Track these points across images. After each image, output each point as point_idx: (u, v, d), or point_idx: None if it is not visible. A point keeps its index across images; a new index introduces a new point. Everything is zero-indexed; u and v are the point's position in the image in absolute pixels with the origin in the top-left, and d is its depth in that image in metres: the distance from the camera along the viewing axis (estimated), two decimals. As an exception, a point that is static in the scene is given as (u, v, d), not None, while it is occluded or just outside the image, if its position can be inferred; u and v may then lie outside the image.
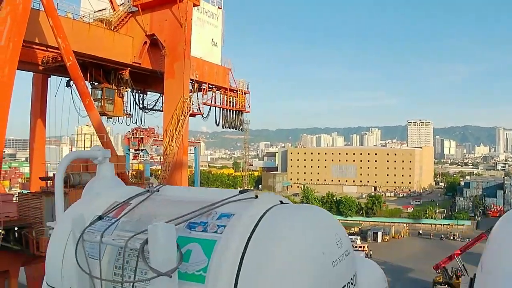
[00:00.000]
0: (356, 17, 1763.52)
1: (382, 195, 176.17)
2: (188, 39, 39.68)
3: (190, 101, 41.27)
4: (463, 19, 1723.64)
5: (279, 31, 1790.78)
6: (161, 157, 43.04)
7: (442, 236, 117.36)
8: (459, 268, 73.68)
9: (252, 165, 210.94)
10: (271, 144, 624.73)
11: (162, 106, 47.70)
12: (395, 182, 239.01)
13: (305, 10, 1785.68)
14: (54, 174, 37.74)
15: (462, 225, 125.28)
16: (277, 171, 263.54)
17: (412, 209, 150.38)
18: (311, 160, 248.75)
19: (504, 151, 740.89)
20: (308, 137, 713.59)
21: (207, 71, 46.73)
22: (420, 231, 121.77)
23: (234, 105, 52.02)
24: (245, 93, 53.28)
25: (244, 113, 53.76)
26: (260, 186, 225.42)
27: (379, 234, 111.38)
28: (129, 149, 69.32)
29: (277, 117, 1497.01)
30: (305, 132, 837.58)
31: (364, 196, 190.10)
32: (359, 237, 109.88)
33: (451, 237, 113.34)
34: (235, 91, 51.67)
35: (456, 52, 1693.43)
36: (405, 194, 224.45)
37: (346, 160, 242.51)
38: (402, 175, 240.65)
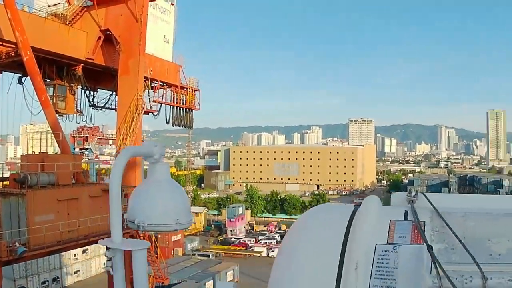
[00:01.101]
0: (298, 17, 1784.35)
1: (326, 193, 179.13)
2: (143, 35, 39.79)
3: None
4: (405, 19, 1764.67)
5: (222, 31, 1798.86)
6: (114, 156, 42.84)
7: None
8: None
9: (194, 163, 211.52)
10: (213, 142, 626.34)
11: (113, 104, 48.01)
12: (337, 180, 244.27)
13: (248, 10, 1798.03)
14: (12, 174, 37.61)
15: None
16: (219, 169, 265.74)
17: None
18: (254, 158, 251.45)
19: (446, 149, 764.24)
20: (249, 136, 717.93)
21: (159, 68, 47.03)
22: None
23: (184, 103, 52.42)
24: (195, 91, 53.86)
25: (193, 111, 54.54)
26: (202, 185, 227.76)
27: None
28: (74, 148, 69.05)
29: (218, 115, 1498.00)
30: (246, 130, 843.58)
31: (307, 194, 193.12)
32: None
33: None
34: (185, 89, 52.02)
35: (399, 51, 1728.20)
36: (347, 192, 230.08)
37: (289, 159, 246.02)
38: (345, 173, 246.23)
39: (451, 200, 3.30)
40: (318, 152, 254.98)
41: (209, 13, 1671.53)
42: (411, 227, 2.80)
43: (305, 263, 2.81)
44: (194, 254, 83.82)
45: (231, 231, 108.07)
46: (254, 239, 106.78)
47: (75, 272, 74.60)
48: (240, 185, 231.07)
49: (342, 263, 2.65)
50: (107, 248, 6.78)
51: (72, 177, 34.44)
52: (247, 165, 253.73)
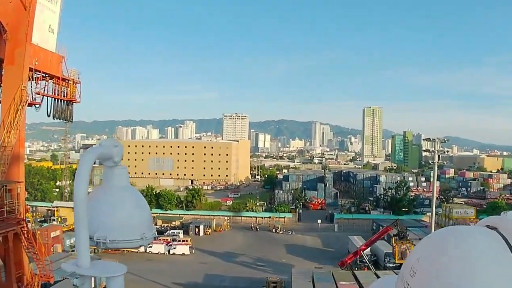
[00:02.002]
0: (176, 9, 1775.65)
1: (200, 188, 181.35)
2: (31, 23, 39.53)
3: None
4: (282, 15, 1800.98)
5: (99, 22, 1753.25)
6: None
7: (257, 228, 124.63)
8: (365, 263, 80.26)
9: (69, 157, 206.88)
10: (87, 136, 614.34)
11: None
12: (211, 175, 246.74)
13: (127, 5, 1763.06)
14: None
15: (284, 217, 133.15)
16: (95, 164, 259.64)
17: (232, 202, 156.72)
18: (128, 153, 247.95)
19: (320, 145, 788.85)
20: (123, 130, 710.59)
21: (42, 58, 46.52)
22: (254, 226, 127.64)
23: (66, 95, 52.18)
24: (76, 83, 53.66)
25: (74, 103, 54.41)
26: None
27: (201, 227, 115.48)
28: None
29: (93, 108, 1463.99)
30: (121, 124, 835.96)
31: (181, 189, 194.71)
32: (181, 231, 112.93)
33: (273, 230, 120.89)
34: (67, 81, 51.79)
35: (274, 48, 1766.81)
36: (222, 187, 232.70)
37: (163, 153, 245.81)
38: (219, 168, 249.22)
39: None
40: (193, 147, 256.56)
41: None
42: None
43: None
44: (73, 251, 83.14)
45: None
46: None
47: None
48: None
49: None
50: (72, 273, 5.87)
51: None
52: (121, 159, 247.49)
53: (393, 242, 77.63)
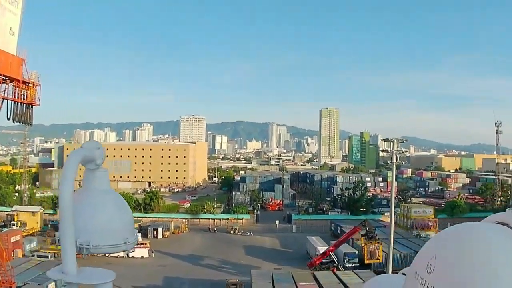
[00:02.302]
0: (135, 15, 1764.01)
1: (158, 190, 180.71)
2: None
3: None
4: (239, 18, 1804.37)
5: (57, 24, 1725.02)
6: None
7: (215, 229, 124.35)
8: (335, 264, 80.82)
9: (29, 161, 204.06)
10: (46, 139, 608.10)
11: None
12: (169, 178, 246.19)
13: (87, 10, 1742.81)
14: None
15: (242, 219, 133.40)
16: (53, 167, 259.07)
17: (189, 204, 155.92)
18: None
19: (277, 146, 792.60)
20: (81, 133, 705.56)
21: (3, 61, 46.22)
22: (211, 227, 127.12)
23: (25, 98, 51.83)
24: (36, 86, 53.16)
25: (34, 106, 53.82)
26: (37, 183, 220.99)
27: (160, 230, 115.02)
28: None
29: (51, 111, 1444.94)
30: (79, 127, 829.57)
31: (139, 191, 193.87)
32: (139, 234, 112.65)
33: (231, 231, 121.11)
34: (27, 84, 51.39)
35: (231, 50, 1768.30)
36: (180, 189, 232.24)
37: (121, 156, 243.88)
38: (176, 170, 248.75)
39: None
40: (150, 149, 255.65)
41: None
42: None
43: None
44: (33, 255, 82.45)
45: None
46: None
47: None
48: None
49: None
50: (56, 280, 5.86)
51: None
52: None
53: (362, 242, 78.59)
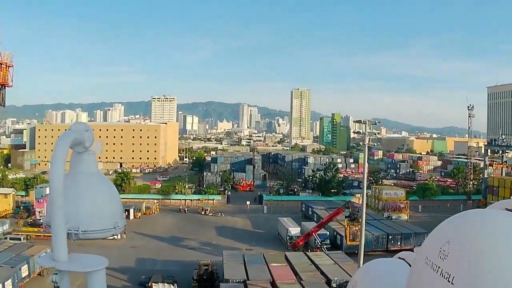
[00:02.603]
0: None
1: (129, 171, 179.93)
2: None
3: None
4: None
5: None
6: None
7: (185, 210, 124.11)
8: (318, 245, 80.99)
9: (0, 142, 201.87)
10: (18, 120, 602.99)
11: None
12: (140, 158, 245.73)
13: None
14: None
15: (213, 199, 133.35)
16: (25, 148, 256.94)
17: (161, 185, 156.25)
18: (58, 137, 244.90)
19: (248, 127, 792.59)
20: (53, 113, 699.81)
21: None
22: (182, 208, 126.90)
23: None
24: (9, 67, 52.25)
25: (6, 87, 53.03)
26: (9, 165, 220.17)
27: (131, 211, 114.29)
28: None
29: (23, 92, 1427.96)
30: (51, 108, 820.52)
31: (110, 172, 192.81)
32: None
33: (202, 212, 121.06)
34: (0, 64, 50.61)
35: (201, 29, 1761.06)
36: (151, 170, 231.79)
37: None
38: (148, 151, 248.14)
39: None
40: (121, 130, 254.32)
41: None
42: None
43: None
44: (6, 238, 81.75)
45: (39, 212, 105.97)
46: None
47: None
48: (45, 165, 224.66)
49: None
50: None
51: None
52: (52, 143, 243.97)
53: (345, 223, 79.00)
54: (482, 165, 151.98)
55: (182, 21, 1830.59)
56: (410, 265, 4.44)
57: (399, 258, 4.79)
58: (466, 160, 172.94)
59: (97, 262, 6.04)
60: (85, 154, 6.66)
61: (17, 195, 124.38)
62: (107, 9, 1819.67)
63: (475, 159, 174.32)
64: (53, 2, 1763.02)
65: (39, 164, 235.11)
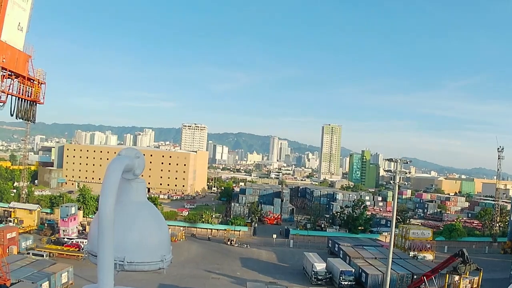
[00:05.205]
0: (147, 20, 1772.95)
1: (157, 197, 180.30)
2: (1, 20, 39.19)
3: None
4: (239, 28, 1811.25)
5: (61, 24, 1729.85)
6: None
7: (209, 237, 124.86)
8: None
9: (28, 158, 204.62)
10: (47, 138, 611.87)
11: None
12: (168, 185, 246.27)
13: (95, 10, 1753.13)
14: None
15: (239, 230, 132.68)
16: (53, 166, 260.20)
17: (188, 212, 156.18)
18: (87, 157, 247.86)
19: (277, 160, 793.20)
20: (82, 134, 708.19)
21: (10, 56, 46.13)
22: (209, 236, 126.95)
23: (30, 95, 51.47)
24: (41, 84, 52.79)
25: (37, 104, 53.50)
26: (36, 181, 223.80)
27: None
28: None
29: (53, 110, 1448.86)
30: (80, 128, 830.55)
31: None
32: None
33: (228, 242, 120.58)
34: (32, 81, 51.05)
35: (236, 60, 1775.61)
36: (178, 197, 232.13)
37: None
38: (176, 178, 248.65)
39: None
40: (151, 155, 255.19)
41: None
42: None
43: None
44: (29, 253, 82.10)
45: (63, 230, 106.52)
46: (87, 240, 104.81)
47: None
48: (72, 184, 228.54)
49: None
50: None
51: None
52: (80, 163, 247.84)
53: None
54: (509, 207, 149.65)
55: (218, 52, 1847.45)
56: None
57: None
58: (493, 202, 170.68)
59: None
60: (135, 182, 6.10)
61: (42, 212, 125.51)
62: (141, 36, 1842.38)
63: (503, 201, 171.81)
64: (91, 28, 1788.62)
65: (66, 183, 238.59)
